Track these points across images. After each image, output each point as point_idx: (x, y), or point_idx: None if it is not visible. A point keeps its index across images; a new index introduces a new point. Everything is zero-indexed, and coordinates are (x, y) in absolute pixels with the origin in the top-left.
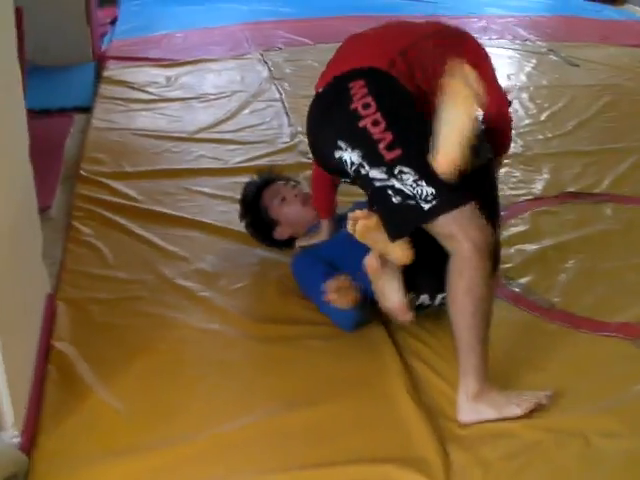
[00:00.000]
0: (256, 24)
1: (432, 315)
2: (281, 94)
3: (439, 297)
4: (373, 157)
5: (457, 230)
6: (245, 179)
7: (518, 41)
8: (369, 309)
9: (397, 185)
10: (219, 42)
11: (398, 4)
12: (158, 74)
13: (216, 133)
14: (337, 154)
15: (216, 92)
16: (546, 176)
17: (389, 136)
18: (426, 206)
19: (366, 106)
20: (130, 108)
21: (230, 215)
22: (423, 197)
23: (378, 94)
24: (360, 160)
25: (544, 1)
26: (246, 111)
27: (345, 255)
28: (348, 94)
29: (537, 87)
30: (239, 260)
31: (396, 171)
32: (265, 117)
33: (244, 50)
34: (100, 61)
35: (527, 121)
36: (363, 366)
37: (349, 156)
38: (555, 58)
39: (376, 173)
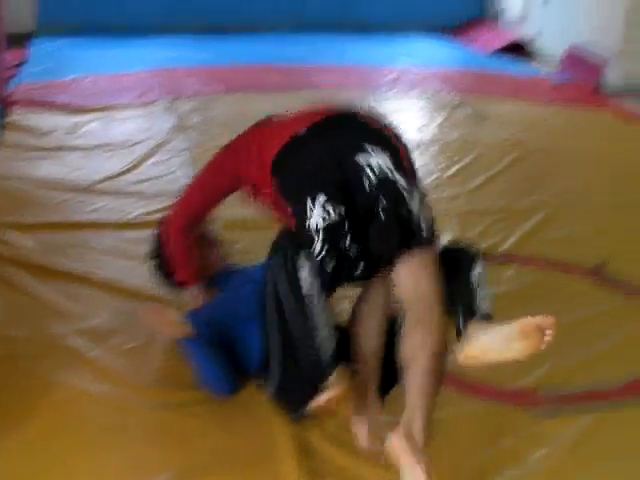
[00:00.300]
0: (167, 71)
1: None
2: (186, 144)
3: None
4: None
5: None
6: (143, 234)
7: (429, 94)
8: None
9: None
10: (129, 88)
11: (311, 54)
12: (64, 120)
13: (117, 184)
14: None
15: (121, 141)
16: (450, 235)
17: None
18: None
19: None
20: (33, 156)
21: (126, 271)
22: None
23: None
24: None
25: (455, 55)
26: (150, 161)
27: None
28: None
29: (447, 141)
30: (133, 319)
31: None
32: (170, 168)
33: (153, 97)
34: (4, 105)
35: (435, 175)
36: (253, 438)
37: None
38: (465, 112)
39: None
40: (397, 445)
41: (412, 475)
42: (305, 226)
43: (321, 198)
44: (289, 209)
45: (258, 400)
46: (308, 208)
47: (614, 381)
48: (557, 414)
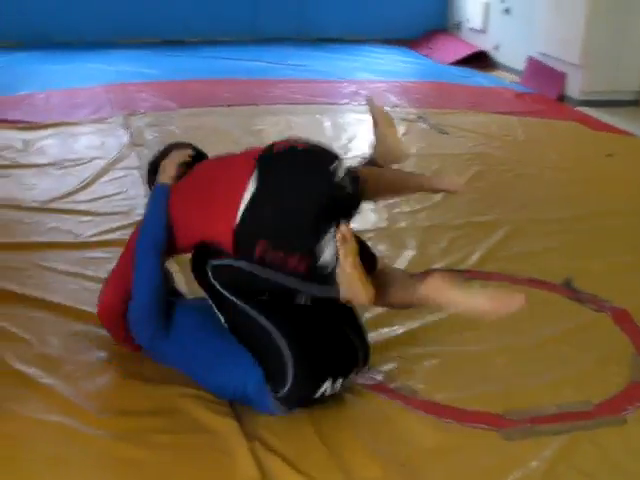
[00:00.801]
0: (121, 86)
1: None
2: (140, 161)
3: (339, 381)
4: None
5: None
6: (96, 254)
7: (388, 107)
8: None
9: None
10: (82, 104)
11: (268, 68)
12: (14, 137)
13: (70, 203)
14: None
15: (74, 158)
16: (411, 252)
17: None
18: None
19: None
20: None
21: (80, 294)
22: None
23: None
24: None
25: (415, 67)
26: (103, 179)
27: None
28: None
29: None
30: (86, 344)
31: None
32: (122, 186)
33: (107, 113)
34: None
35: None
36: (211, 466)
37: None
38: (424, 125)
39: None
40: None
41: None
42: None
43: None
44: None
45: (215, 428)
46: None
47: (583, 402)
48: (528, 435)
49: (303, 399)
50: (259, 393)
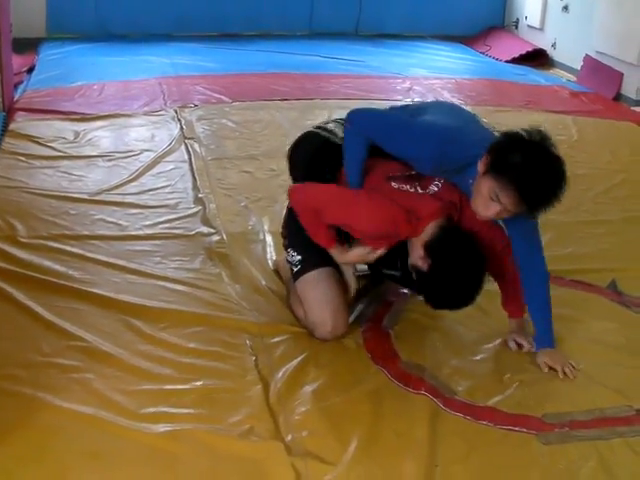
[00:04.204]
0: (176, 78)
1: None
2: (190, 155)
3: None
4: None
5: None
6: (141, 247)
7: None
8: None
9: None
10: (136, 96)
11: (324, 63)
12: (66, 128)
13: (118, 195)
14: None
15: (124, 150)
16: None
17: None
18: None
19: None
20: (32, 165)
21: (123, 286)
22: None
23: None
24: None
25: (470, 64)
26: (152, 172)
27: None
28: None
29: None
30: (127, 337)
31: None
32: (171, 179)
33: (159, 105)
34: (9, 112)
35: None
36: (244, 463)
37: None
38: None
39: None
40: None
41: None
42: None
43: None
44: None
45: (248, 425)
46: None
47: (624, 407)
48: (566, 440)
49: None
50: None
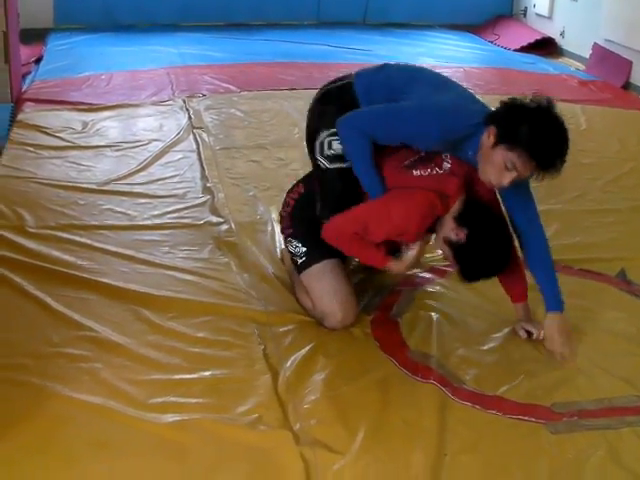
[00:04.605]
0: (184, 68)
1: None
2: (198, 144)
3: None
4: None
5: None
6: (149, 237)
7: None
8: None
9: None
10: (144, 86)
11: (332, 52)
12: (74, 119)
13: (126, 185)
14: None
15: (132, 140)
16: None
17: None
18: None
19: None
20: (40, 155)
21: (131, 276)
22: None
23: None
24: None
25: (479, 53)
26: (160, 162)
27: None
28: None
29: None
30: (135, 327)
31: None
32: (179, 169)
33: (167, 95)
34: (18, 102)
35: None
36: (252, 454)
37: None
38: None
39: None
40: None
41: None
42: None
43: None
44: None
45: (257, 415)
46: None
47: (634, 397)
48: (575, 429)
49: None
50: None
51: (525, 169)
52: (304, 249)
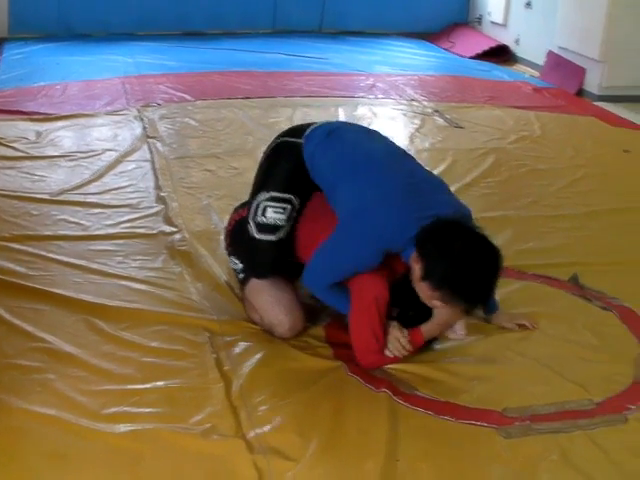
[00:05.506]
0: (139, 77)
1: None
2: (152, 154)
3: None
4: None
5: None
6: (103, 247)
7: (404, 101)
8: None
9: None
10: (98, 96)
11: (287, 61)
12: (28, 129)
13: (80, 195)
14: None
15: (86, 150)
16: None
17: None
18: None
19: None
20: None
21: (84, 286)
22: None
23: None
24: None
25: (434, 60)
26: (114, 171)
27: None
28: None
29: (419, 150)
30: (88, 337)
31: None
32: (133, 179)
33: (122, 105)
34: None
35: None
36: (208, 462)
37: None
38: (440, 119)
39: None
40: None
41: None
42: None
43: None
44: None
45: (211, 424)
46: None
47: (585, 401)
48: (527, 433)
49: None
50: None
51: (453, 304)
52: (241, 265)
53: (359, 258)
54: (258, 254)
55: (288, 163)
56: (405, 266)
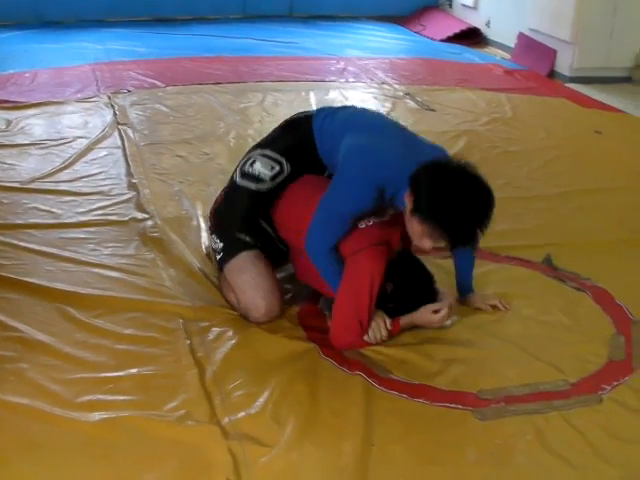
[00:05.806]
0: (109, 64)
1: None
2: (123, 141)
3: None
4: None
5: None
6: (74, 234)
7: (375, 84)
8: None
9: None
10: (69, 83)
11: (258, 46)
12: None
13: (51, 183)
14: None
15: (57, 138)
16: None
17: None
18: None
19: None
20: None
21: (56, 275)
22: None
23: None
24: None
25: (405, 44)
26: (85, 159)
27: None
28: None
29: None
30: (61, 325)
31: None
32: (104, 166)
33: (92, 92)
34: None
35: None
36: (184, 449)
37: None
38: (411, 102)
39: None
40: None
41: None
42: None
43: None
44: None
45: (185, 410)
46: None
47: (560, 382)
48: (502, 415)
49: None
50: None
51: (441, 240)
52: (221, 244)
53: (357, 193)
54: (234, 201)
55: (293, 135)
56: (400, 242)
